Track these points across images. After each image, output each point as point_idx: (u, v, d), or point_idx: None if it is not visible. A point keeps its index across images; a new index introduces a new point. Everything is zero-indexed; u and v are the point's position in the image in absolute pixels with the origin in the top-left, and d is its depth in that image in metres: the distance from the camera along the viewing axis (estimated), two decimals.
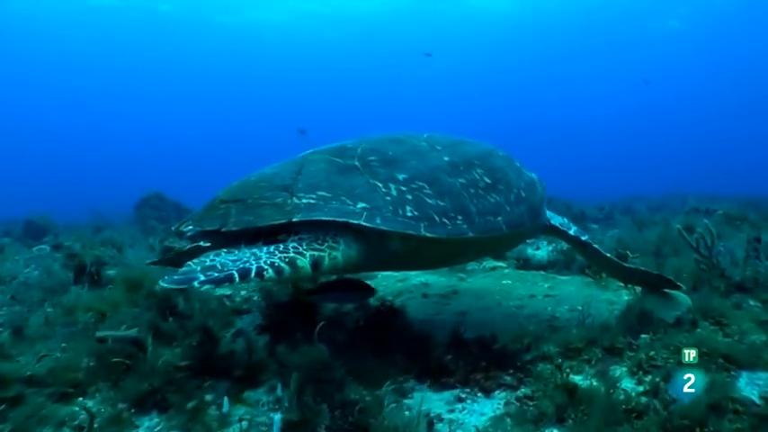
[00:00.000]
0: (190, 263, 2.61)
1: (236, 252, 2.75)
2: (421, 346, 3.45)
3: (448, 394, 3.03)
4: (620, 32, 45.79)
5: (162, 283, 2.41)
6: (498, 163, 3.79)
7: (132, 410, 2.78)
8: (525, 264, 6.64)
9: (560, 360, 3.11)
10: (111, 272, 5.83)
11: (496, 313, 4.60)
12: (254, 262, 2.59)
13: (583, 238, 4.25)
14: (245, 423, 2.63)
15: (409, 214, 3.04)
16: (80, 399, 2.93)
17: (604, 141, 71.32)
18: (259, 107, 67.46)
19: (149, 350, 2.95)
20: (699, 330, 3.38)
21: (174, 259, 4.15)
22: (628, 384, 2.90)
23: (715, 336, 3.28)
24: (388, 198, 3.07)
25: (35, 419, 2.70)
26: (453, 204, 3.23)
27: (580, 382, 2.84)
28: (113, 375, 2.99)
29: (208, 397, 2.92)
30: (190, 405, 2.72)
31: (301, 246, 2.78)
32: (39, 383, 2.99)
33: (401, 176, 3.25)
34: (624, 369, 3.08)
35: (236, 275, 2.47)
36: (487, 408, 2.87)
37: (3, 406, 2.72)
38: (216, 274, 2.46)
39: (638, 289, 4.68)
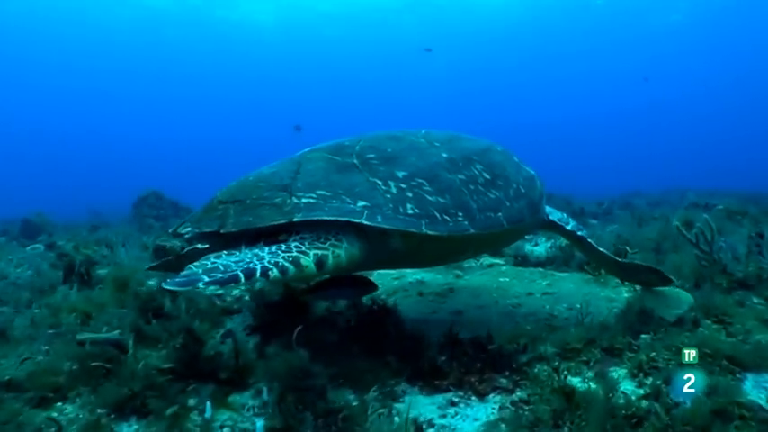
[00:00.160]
0: (190, 266, 2.54)
1: (238, 253, 2.70)
2: (414, 347, 3.32)
3: (440, 398, 2.91)
4: (621, 28, 45.74)
5: (165, 286, 2.35)
6: (497, 158, 3.76)
7: (112, 416, 2.67)
8: (523, 260, 6.53)
9: (557, 362, 3.01)
10: (101, 271, 5.73)
11: (493, 312, 4.48)
12: (257, 262, 2.55)
13: (579, 234, 4.18)
14: (227, 430, 2.53)
15: (410, 212, 3.01)
16: (59, 404, 2.83)
17: (605, 140, 71.20)
18: (256, 106, 67.21)
19: (129, 353, 2.85)
20: (701, 329, 3.29)
21: (173, 263, 4.07)
22: (628, 387, 2.80)
23: (718, 335, 3.18)
24: (389, 196, 3.04)
25: (12, 426, 2.60)
26: (454, 201, 3.20)
27: (578, 385, 2.74)
28: (94, 380, 2.89)
29: (191, 401, 2.81)
30: (170, 411, 2.61)
31: (304, 245, 2.75)
32: (17, 388, 2.90)
33: (400, 174, 3.22)
34: (624, 371, 2.98)
35: (242, 276, 2.43)
36: (481, 412, 2.75)
37: None
38: (220, 275, 2.41)
39: (639, 286, 4.60)
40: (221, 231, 2.88)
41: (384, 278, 5.69)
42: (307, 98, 59.41)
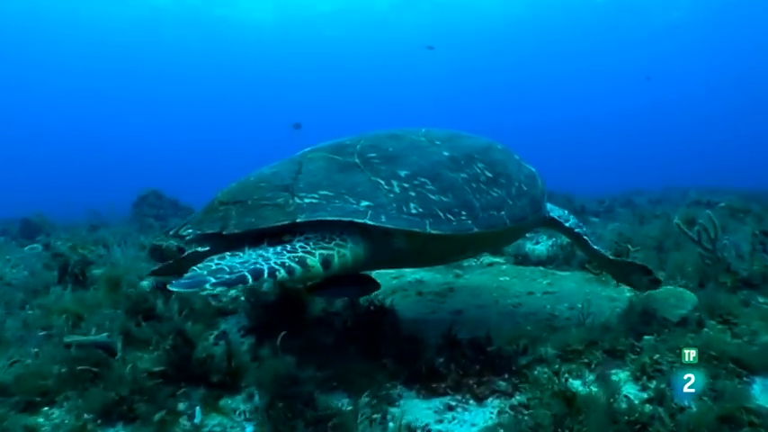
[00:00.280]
0: (195, 267, 2.50)
1: (241, 254, 2.66)
2: (411, 349, 3.24)
3: (437, 402, 2.83)
4: (623, 27, 45.58)
5: (170, 288, 2.30)
6: (498, 156, 3.73)
7: (98, 422, 2.60)
8: (524, 259, 6.44)
9: (558, 364, 2.92)
10: (97, 271, 5.65)
11: (493, 312, 4.40)
12: (263, 263, 2.51)
13: (576, 231, 4.12)
14: None
15: (413, 211, 2.99)
16: (46, 408, 2.76)
17: (605, 140, 70.94)
18: (255, 106, 67.03)
19: (117, 356, 2.77)
20: (706, 330, 3.19)
21: (174, 266, 4.00)
22: (630, 390, 2.72)
23: (723, 336, 3.08)
24: (391, 195, 3.02)
25: None
26: (456, 200, 3.17)
27: (579, 388, 2.67)
28: (82, 384, 2.81)
29: (181, 406, 2.74)
30: (157, 416, 2.53)
31: (308, 245, 2.73)
32: (4, 392, 2.82)
33: (402, 173, 3.19)
34: (626, 373, 2.89)
35: (249, 277, 2.40)
36: (479, 417, 2.67)
37: None
38: (227, 276, 2.38)
39: None
40: (223, 233, 2.86)
41: (383, 277, 5.58)
42: (306, 98, 59.06)
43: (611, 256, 4.02)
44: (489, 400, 2.81)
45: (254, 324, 3.84)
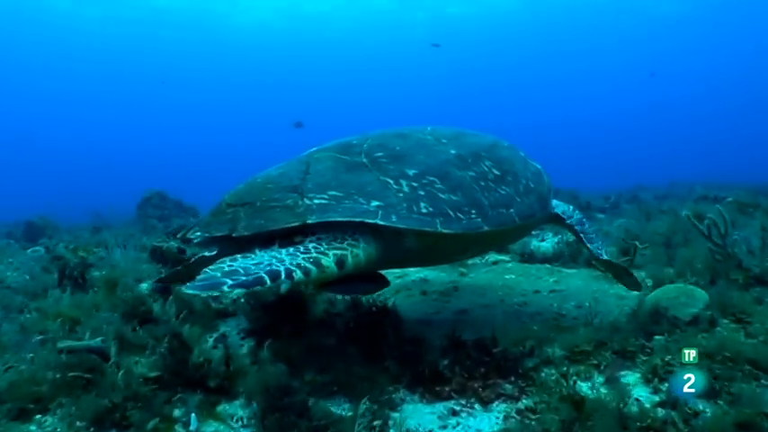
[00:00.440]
0: (207, 270, 2.45)
1: (253, 256, 2.63)
2: (414, 351, 3.16)
3: (441, 406, 2.74)
4: (627, 26, 45.31)
5: (186, 290, 2.27)
6: (504, 154, 3.74)
7: (91, 430, 2.52)
8: (529, 257, 6.34)
9: (566, 366, 2.82)
10: (97, 273, 5.58)
11: (498, 311, 4.32)
12: (279, 264, 2.49)
13: (576, 228, 4.06)
14: None
15: (424, 210, 2.98)
16: (38, 416, 2.68)
17: (608, 139, 70.70)
18: (257, 108, 67.15)
19: (111, 361, 2.69)
20: (719, 330, 3.08)
21: (182, 272, 3.95)
22: (642, 393, 2.62)
23: (737, 336, 2.97)
24: (401, 195, 3.02)
25: None
26: (466, 198, 3.17)
27: (588, 392, 2.56)
28: (76, 390, 2.74)
29: (176, 412, 2.66)
30: (151, 424, 2.45)
31: (321, 246, 2.72)
32: None
33: (411, 172, 3.18)
34: (637, 375, 2.80)
35: (267, 278, 2.37)
36: (484, 423, 2.58)
37: None
38: (243, 278, 2.34)
39: (650, 282, 4.41)
40: (233, 235, 2.84)
41: (387, 277, 5.52)
42: (307, 98, 58.79)
43: (605, 256, 3.93)
44: (495, 404, 2.73)
45: (254, 326, 3.78)
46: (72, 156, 64.11)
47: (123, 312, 3.33)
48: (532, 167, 3.91)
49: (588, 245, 3.99)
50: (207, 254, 3.68)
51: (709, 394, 2.44)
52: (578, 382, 2.69)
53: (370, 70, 56.73)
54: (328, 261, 2.62)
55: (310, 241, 2.76)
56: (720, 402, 2.35)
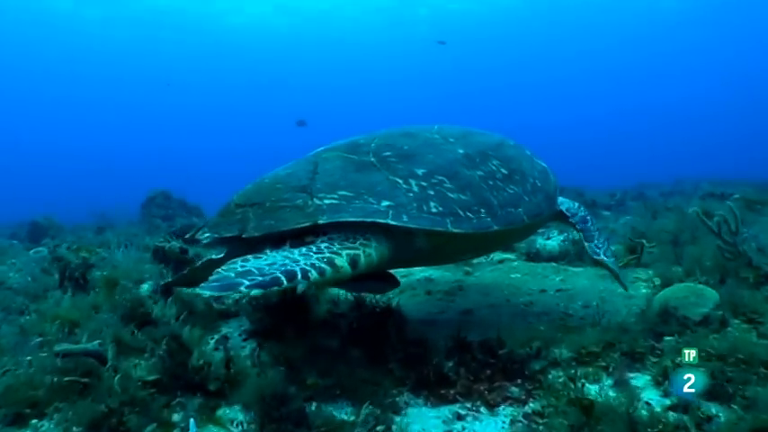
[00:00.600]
0: (219, 270, 2.45)
1: (265, 257, 2.63)
2: (419, 352, 3.09)
3: (446, 410, 2.67)
4: (631, 25, 45.09)
5: (202, 291, 2.27)
6: (511, 152, 3.75)
7: None
8: (535, 255, 6.27)
9: (574, 370, 2.75)
10: (98, 274, 5.53)
11: (504, 311, 4.25)
12: (293, 264, 2.48)
13: (578, 227, 4.03)
14: None
15: (434, 210, 2.99)
16: (34, 421, 2.63)
17: (609, 139, 70.58)
18: (258, 109, 67.26)
19: (108, 365, 2.63)
20: (730, 330, 3.01)
21: (189, 276, 3.93)
22: (652, 396, 2.55)
23: (750, 337, 2.89)
24: (411, 195, 3.02)
25: None
26: (475, 198, 3.18)
27: (596, 394, 2.49)
28: (73, 394, 2.68)
29: (175, 417, 2.61)
30: (148, 430, 2.39)
31: (334, 246, 2.72)
32: None
33: (420, 171, 3.19)
34: (647, 378, 2.72)
35: (283, 278, 2.36)
36: (491, 427, 2.50)
37: None
38: (260, 279, 2.33)
39: (658, 281, 4.34)
40: (243, 236, 2.84)
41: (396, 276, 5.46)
42: (308, 98, 58.60)
43: (601, 256, 3.88)
44: (501, 407, 2.65)
45: (256, 327, 3.71)
46: (73, 158, 64.40)
47: (122, 315, 3.27)
48: (539, 166, 3.90)
49: (585, 243, 3.96)
50: (214, 257, 3.67)
51: (722, 398, 2.37)
52: (586, 385, 2.63)
53: (373, 68, 56.66)
54: (342, 261, 2.61)
55: (322, 241, 2.75)
56: (735, 407, 2.27)
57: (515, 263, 6.09)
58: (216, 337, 3.66)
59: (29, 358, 3.13)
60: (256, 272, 2.39)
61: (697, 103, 64.34)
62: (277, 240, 2.82)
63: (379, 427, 2.29)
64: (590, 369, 2.84)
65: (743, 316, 3.27)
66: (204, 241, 3.09)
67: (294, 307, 3.69)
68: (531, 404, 2.63)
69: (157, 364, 2.85)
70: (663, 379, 2.64)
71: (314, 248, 2.67)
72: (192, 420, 2.44)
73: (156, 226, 12.40)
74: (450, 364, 2.95)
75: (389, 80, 59.93)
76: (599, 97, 66.72)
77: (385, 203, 2.90)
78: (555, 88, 62.84)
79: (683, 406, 2.34)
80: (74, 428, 2.47)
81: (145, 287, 4.34)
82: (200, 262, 3.89)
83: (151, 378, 2.75)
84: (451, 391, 2.79)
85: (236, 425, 2.58)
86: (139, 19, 40.98)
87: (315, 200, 2.89)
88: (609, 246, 4.05)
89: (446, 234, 2.96)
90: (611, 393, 2.51)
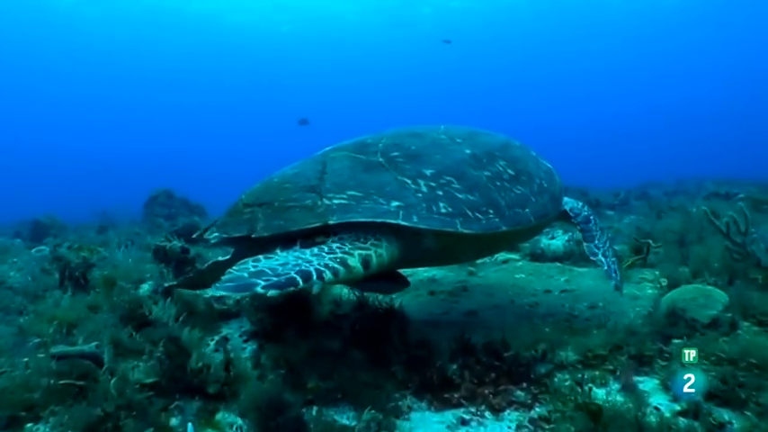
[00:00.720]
0: (231, 270, 2.40)
1: (276, 257, 2.59)
2: (422, 355, 3.03)
3: (450, 415, 2.61)
4: (636, 25, 44.96)
5: (215, 292, 2.23)
6: (517, 153, 3.74)
7: None
8: (540, 255, 6.20)
9: (580, 374, 2.69)
10: (99, 273, 5.49)
11: (509, 312, 4.19)
12: (307, 265, 2.45)
13: (581, 226, 3.98)
14: None
15: (443, 211, 2.99)
16: (30, 424, 2.58)
17: (611, 140, 70.46)
18: (258, 108, 67.25)
19: (104, 367, 2.58)
20: (740, 333, 2.93)
21: (195, 278, 3.92)
22: (661, 401, 2.49)
23: (761, 341, 2.81)
24: (420, 195, 3.02)
25: None
26: (483, 198, 3.18)
27: (604, 399, 2.42)
28: (70, 397, 2.63)
29: (173, 421, 2.56)
30: None
31: (345, 246, 2.70)
32: None
33: (428, 172, 3.18)
34: (656, 382, 2.66)
35: (299, 278, 2.33)
36: None
37: None
38: (275, 279, 2.29)
39: (665, 282, 4.27)
40: (252, 236, 2.82)
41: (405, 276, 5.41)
42: (311, 98, 58.59)
43: (600, 257, 3.80)
44: (506, 412, 2.59)
45: (257, 328, 3.65)
46: (74, 159, 64.60)
47: (121, 316, 3.21)
48: (544, 167, 3.90)
49: (585, 243, 3.92)
50: (221, 258, 3.63)
51: (734, 403, 2.30)
52: (594, 389, 2.56)
53: (375, 68, 56.49)
54: (355, 261, 2.59)
55: (333, 242, 2.73)
56: (748, 413, 2.21)
57: (520, 263, 6.03)
58: (216, 338, 3.61)
59: (25, 360, 3.09)
60: (270, 272, 2.36)
61: (700, 102, 64.36)
62: (286, 240, 2.79)
63: None
64: (597, 372, 2.78)
65: (753, 318, 3.20)
66: (212, 241, 3.07)
67: (296, 307, 3.63)
68: (537, 409, 2.57)
69: (155, 366, 2.79)
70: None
71: (326, 249, 2.65)
72: (190, 424, 2.39)
73: (158, 225, 12.37)
74: (454, 366, 2.90)
75: (392, 80, 59.82)
76: (602, 97, 66.74)
77: (395, 204, 2.89)
78: (558, 88, 62.84)
79: (694, 411, 2.28)
80: None
81: (145, 287, 4.29)
82: (206, 264, 3.85)
83: (149, 381, 2.69)
84: (455, 395, 2.74)
85: (236, 429, 2.52)
86: (139, 18, 40.98)
87: (324, 200, 2.88)
88: (610, 246, 3.98)
89: (455, 235, 2.95)
90: (619, 398, 2.45)
